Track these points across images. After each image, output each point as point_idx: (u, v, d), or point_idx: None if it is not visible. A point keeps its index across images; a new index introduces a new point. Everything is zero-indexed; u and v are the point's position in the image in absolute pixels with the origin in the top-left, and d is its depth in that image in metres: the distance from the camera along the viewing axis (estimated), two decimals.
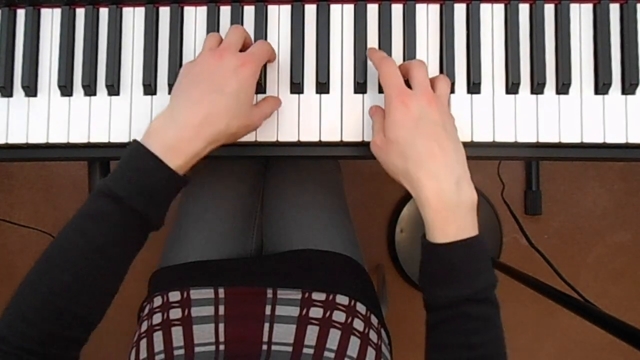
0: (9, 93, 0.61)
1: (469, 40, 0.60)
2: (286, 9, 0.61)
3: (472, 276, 0.50)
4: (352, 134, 0.60)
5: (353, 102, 0.60)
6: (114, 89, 0.61)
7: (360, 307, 0.71)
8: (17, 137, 0.61)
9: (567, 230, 1.53)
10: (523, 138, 0.60)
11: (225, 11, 0.61)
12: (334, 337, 0.66)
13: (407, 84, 0.55)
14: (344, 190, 0.89)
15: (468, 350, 0.50)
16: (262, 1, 0.61)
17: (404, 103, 0.52)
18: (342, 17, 0.61)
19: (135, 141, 0.51)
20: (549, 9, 0.60)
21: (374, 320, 0.73)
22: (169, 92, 0.61)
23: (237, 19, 0.61)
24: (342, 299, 0.71)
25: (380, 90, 0.60)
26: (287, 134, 0.60)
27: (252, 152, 0.62)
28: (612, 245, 1.53)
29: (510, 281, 1.04)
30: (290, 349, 0.65)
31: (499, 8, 0.61)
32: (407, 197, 1.46)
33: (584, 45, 0.60)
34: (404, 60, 0.60)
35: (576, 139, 0.59)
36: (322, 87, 0.60)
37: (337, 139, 0.60)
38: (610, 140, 0.59)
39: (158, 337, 0.66)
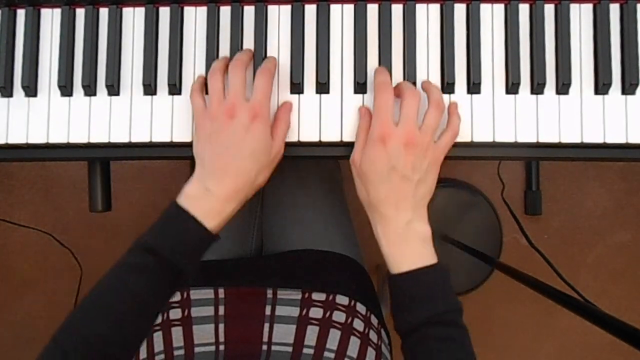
0: (9, 93, 0.61)
1: (469, 40, 0.60)
2: (286, 9, 0.61)
3: (429, 300, 0.54)
4: (352, 134, 0.60)
5: (353, 102, 0.60)
6: (114, 89, 0.61)
7: (360, 307, 0.71)
8: (17, 137, 0.61)
9: (567, 230, 1.53)
10: (523, 138, 0.60)
11: (225, 11, 0.61)
12: (334, 337, 0.66)
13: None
14: (344, 190, 0.89)
15: None
16: (262, 1, 0.61)
17: (383, 142, 0.54)
18: (342, 17, 0.61)
19: (175, 204, 0.55)
20: (549, 9, 0.60)
21: (374, 320, 0.73)
22: (169, 92, 0.61)
23: (237, 19, 0.61)
24: (342, 299, 0.71)
25: None
26: (287, 134, 0.60)
27: None
28: (612, 245, 1.53)
29: (510, 281, 1.04)
30: (290, 349, 0.65)
31: (499, 8, 0.61)
32: None
33: (584, 45, 0.60)
34: (404, 61, 0.60)
35: (576, 139, 0.59)
36: (322, 87, 0.60)
37: (337, 139, 0.60)
38: (610, 140, 0.59)
39: (158, 337, 0.66)
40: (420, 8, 0.61)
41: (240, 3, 0.61)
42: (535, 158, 0.63)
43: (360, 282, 0.78)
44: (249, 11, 0.61)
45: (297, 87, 0.60)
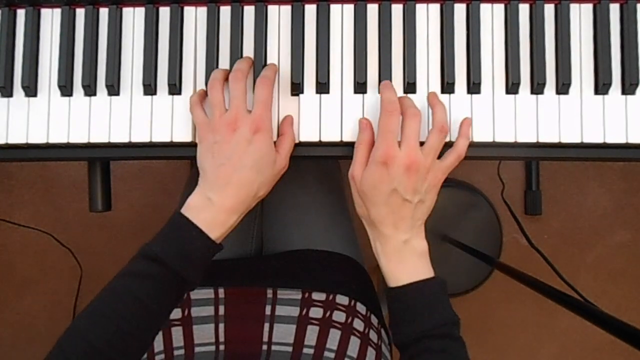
0: (9, 93, 0.61)
1: (469, 40, 0.60)
2: (286, 9, 0.61)
3: (427, 314, 0.55)
4: (352, 134, 0.60)
5: (353, 102, 0.60)
6: (114, 89, 0.60)
7: (360, 307, 0.71)
8: (17, 137, 0.61)
9: (567, 230, 1.53)
10: (523, 138, 0.60)
11: (225, 11, 0.61)
12: (334, 337, 0.66)
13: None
14: (344, 190, 0.89)
15: None
16: (262, 1, 0.61)
17: (386, 165, 0.55)
18: (342, 17, 0.61)
19: (179, 213, 0.55)
20: (549, 9, 0.60)
21: (374, 320, 0.73)
22: (169, 92, 0.61)
23: (237, 19, 0.61)
24: (342, 299, 0.71)
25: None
26: None
27: None
28: (612, 245, 1.53)
29: (510, 281, 1.04)
30: (290, 349, 0.65)
31: (499, 8, 0.61)
32: None
33: (584, 45, 0.60)
34: (404, 61, 0.60)
35: (576, 139, 0.59)
36: (322, 87, 0.60)
37: (337, 138, 0.60)
38: (610, 140, 0.59)
39: (158, 337, 0.66)
40: (420, 8, 0.61)
41: (240, 3, 0.61)
42: (535, 158, 0.63)
43: (360, 282, 0.78)
44: (249, 11, 0.61)
45: (297, 87, 0.60)
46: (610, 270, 1.53)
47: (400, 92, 0.60)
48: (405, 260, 0.57)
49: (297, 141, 0.60)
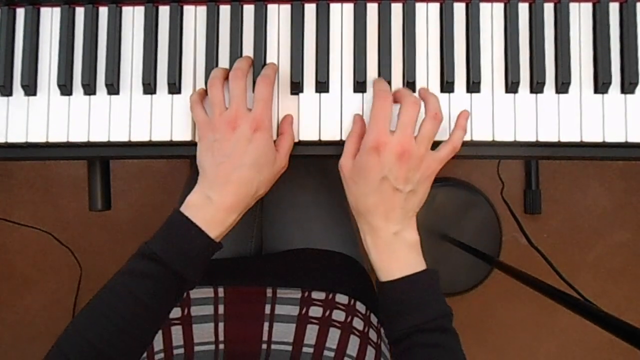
0: (8, 92, 0.61)
1: (468, 40, 0.60)
2: (286, 8, 0.61)
3: (419, 308, 0.54)
4: None
5: (353, 101, 0.60)
6: (113, 88, 0.60)
7: (360, 306, 0.72)
8: (16, 136, 0.61)
9: (566, 230, 1.53)
10: (523, 137, 0.60)
11: (225, 10, 0.61)
12: (333, 336, 0.66)
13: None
14: (344, 190, 0.89)
15: None
16: (262, 0, 0.61)
17: (377, 151, 0.54)
18: (341, 17, 0.61)
19: (178, 212, 0.55)
20: (549, 8, 0.60)
21: (374, 319, 0.73)
22: (169, 91, 0.61)
23: (236, 17, 0.61)
24: (341, 298, 0.71)
25: None
26: None
27: None
28: (612, 245, 1.53)
29: (509, 280, 1.04)
30: (289, 348, 0.65)
31: (499, 7, 0.61)
32: None
33: (583, 44, 0.60)
34: (403, 60, 0.60)
35: (576, 138, 0.59)
36: (322, 86, 0.60)
37: (337, 138, 0.60)
38: (610, 139, 0.59)
39: (158, 336, 0.66)
40: (419, 7, 0.61)
41: (240, 2, 0.61)
42: (535, 157, 0.63)
43: (359, 281, 0.78)
44: (249, 10, 0.61)
45: (296, 86, 0.60)
46: (610, 269, 1.53)
47: None
48: (396, 253, 0.56)
49: (296, 140, 0.60)
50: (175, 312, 0.68)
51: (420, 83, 0.60)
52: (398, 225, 0.55)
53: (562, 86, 0.59)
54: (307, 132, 0.60)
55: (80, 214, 1.55)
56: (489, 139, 0.60)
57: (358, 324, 0.69)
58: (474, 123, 0.60)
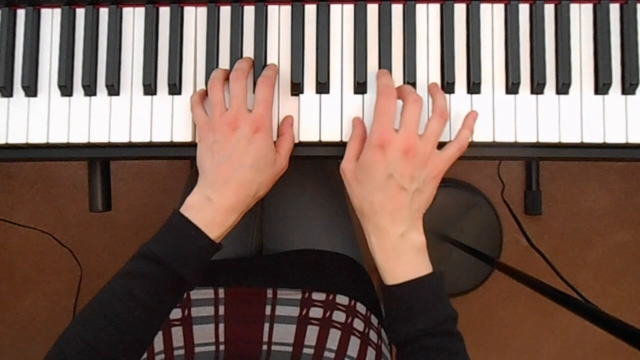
0: (9, 93, 0.61)
1: (469, 40, 0.60)
2: (286, 9, 0.61)
3: (425, 312, 0.53)
4: None
5: (353, 102, 0.60)
6: (114, 89, 0.61)
7: (360, 307, 0.71)
8: (17, 137, 0.61)
9: (567, 230, 1.53)
10: (523, 138, 0.60)
11: (225, 11, 0.61)
12: (334, 337, 0.66)
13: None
14: (344, 191, 0.89)
15: None
16: (262, 1, 0.61)
17: (382, 148, 0.53)
18: (342, 17, 0.61)
19: (178, 213, 0.55)
20: (549, 9, 0.60)
21: (374, 320, 0.73)
22: (169, 92, 0.61)
23: (237, 19, 0.61)
24: (342, 299, 0.71)
25: None
26: None
27: None
28: (612, 245, 1.53)
29: (510, 281, 1.04)
30: (290, 349, 0.65)
31: (499, 8, 0.61)
32: None
33: (584, 45, 0.60)
34: (404, 61, 0.60)
35: (576, 139, 0.59)
36: (322, 87, 0.60)
37: (337, 139, 0.60)
38: (610, 140, 0.59)
39: (158, 337, 0.66)
40: (420, 8, 0.61)
41: (240, 3, 0.61)
42: (535, 158, 0.63)
43: (360, 282, 0.78)
44: (249, 11, 0.61)
45: (297, 87, 0.60)
46: (611, 270, 1.53)
47: None
48: (402, 256, 0.54)
49: (297, 141, 0.60)
50: (176, 313, 0.68)
51: (420, 84, 0.60)
52: (404, 226, 0.55)
53: (563, 87, 0.59)
54: (308, 133, 0.60)
55: (81, 214, 1.55)
56: (490, 139, 0.60)
57: (358, 325, 0.69)
58: (475, 124, 0.60)
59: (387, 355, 0.72)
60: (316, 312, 0.68)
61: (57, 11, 0.62)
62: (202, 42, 0.61)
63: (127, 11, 0.62)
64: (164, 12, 0.62)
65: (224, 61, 0.61)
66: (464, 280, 1.49)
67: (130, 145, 0.62)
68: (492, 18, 0.61)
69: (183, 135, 0.60)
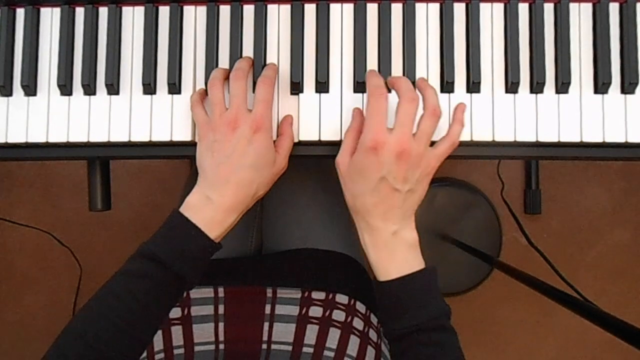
0: (8, 92, 0.61)
1: (468, 40, 0.60)
2: (286, 8, 0.61)
3: (418, 307, 0.53)
4: None
5: (353, 102, 0.60)
6: (113, 88, 0.61)
7: (360, 306, 0.72)
8: (16, 136, 0.61)
9: (566, 230, 1.53)
10: (522, 137, 0.60)
11: (225, 10, 0.61)
12: (333, 336, 0.66)
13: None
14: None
15: None
16: (262, 0, 0.61)
17: (375, 150, 0.52)
18: (341, 17, 0.61)
19: (177, 212, 0.55)
20: (549, 9, 0.60)
21: (374, 319, 0.73)
22: (169, 92, 0.61)
23: (236, 18, 0.61)
24: (341, 298, 0.71)
25: None
26: None
27: None
28: (612, 245, 1.53)
29: (509, 280, 1.04)
30: (289, 348, 0.65)
31: (499, 7, 0.61)
32: None
33: (583, 44, 0.60)
34: (403, 60, 0.60)
35: (576, 138, 0.60)
36: (322, 86, 0.60)
37: (337, 138, 0.60)
38: (610, 139, 0.59)
39: (158, 336, 0.66)
40: (419, 7, 0.61)
41: (240, 2, 0.61)
42: (535, 157, 0.63)
43: (359, 280, 0.78)
44: (249, 10, 0.61)
45: (296, 87, 0.60)
46: (610, 269, 1.53)
47: None
48: (395, 252, 0.55)
49: (296, 140, 0.60)
50: (176, 312, 0.68)
51: (416, 82, 0.60)
52: (397, 225, 0.55)
53: (562, 86, 0.59)
54: (307, 133, 0.60)
55: (80, 214, 1.55)
56: (489, 139, 0.60)
57: (358, 324, 0.69)
58: (474, 123, 0.60)
59: (387, 354, 0.72)
60: (316, 311, 0.68)
61: (57, 10, 0.62)
62: (202, 42, 0.61)
63: (127, 10, 0.62)
64: (164, 11, 0.62)
65: (224, 60, 0.61)
66: (463, 279, 1.49)
67: (129, 145, 0.62)
68: (491, 17, 0.61)
69: (183, 134, 0.60)
